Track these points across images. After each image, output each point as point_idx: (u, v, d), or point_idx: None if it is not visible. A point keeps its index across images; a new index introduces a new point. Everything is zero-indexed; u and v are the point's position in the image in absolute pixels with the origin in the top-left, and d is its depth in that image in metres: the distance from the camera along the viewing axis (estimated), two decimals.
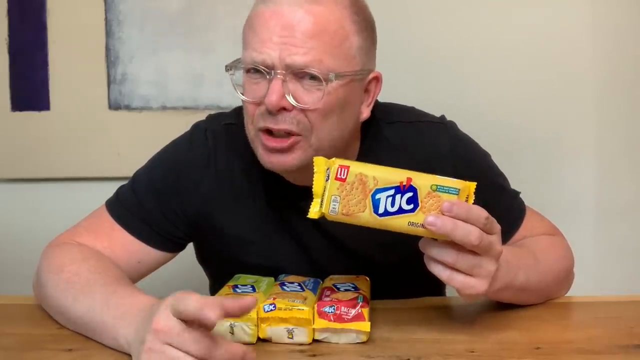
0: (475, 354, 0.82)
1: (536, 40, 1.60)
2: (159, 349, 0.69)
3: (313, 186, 0.79)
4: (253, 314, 0.84)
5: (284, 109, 0.90)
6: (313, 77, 0.89)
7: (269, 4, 0.91)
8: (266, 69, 0.90)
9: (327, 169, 0.79)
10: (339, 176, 0.78)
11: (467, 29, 1.60)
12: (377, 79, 0.98)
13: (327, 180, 0.79)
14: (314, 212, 0.80)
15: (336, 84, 0.90)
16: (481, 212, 0.78)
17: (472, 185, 0.80)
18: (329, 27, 0.89)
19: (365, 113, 0.98)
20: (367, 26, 0.95)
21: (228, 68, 0.95)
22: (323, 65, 0.89)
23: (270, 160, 0.94)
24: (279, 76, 0.89)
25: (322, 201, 0.79)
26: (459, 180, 0.80)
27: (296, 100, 0.90)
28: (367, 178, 0.78)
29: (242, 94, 0.94)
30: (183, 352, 0.69)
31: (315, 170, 0.80)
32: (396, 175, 0.78)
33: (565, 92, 1.62)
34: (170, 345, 0.69)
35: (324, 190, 0.79)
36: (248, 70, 0.93)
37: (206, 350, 0.69)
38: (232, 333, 0.84)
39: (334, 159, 0.80)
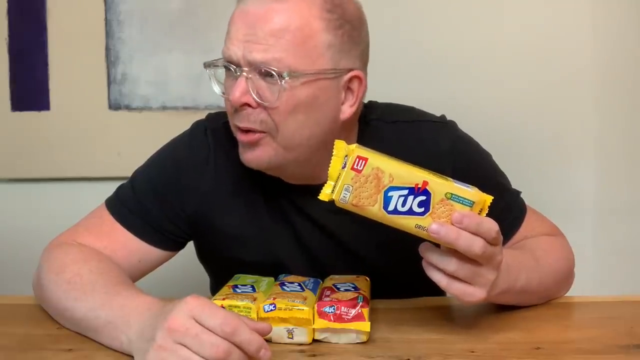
0: (476, 354, 0.82)
1: (536, 40, 1.60)
2: (170, 347, 0.70)
3: (329, 168, 0.79)
4: (253, 314, 0.84)
5: (248, 105, 0.91)
6: (273, 75, 0.90)
7: (239, 4, 0.93)
8: (232, 66, 0.91)
9: (346, 156, 0.79)
10: (355, 167, 0.77)
11: (467, 29, 1.60)
12: (359, 78, 0.95)
13: (343, 168, 0.78)
14: (325, 194, 0.79)
15: (298, 82, 0.90)
16: (492, 226, 0.78)
17: (488, 199, 0.79)
18: (291, 25, 0.89)
19: (347, 112, 0.96)
20: (342, 24, 0.92)
21: (206, 65, 0.96)
22: (282, 64, 0.89)
23: (243, 156, 0.96)
24: (243, 73, 0.90)
25: (334, 187, 0.79)
26: (475, 192, 0.79)
27: (259, 98, 0.91)
28: (383, 174, 0.77)
29: (222, 91, 0.96)
30: (196, 354, 0.69)
31: (333, 154, 0.79)
32: (413, 176, 0.77)
33: (565, 92, 1.62)
34: (184, 345, 0.70)
35: (339, 177, 0.78)
36: (227, 69, 0.94)
37: (223, 355, 0.69)
38: None
39: (354, 146, 0.79)
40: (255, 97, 0.91)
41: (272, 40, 0.89)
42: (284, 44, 0.89)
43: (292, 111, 0.91)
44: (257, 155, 0.94)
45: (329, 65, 0.92)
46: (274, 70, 0.89)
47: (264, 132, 0.92)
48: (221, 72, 0.96)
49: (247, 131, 0.93)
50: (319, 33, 0.90)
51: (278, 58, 0.89)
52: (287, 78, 0.89)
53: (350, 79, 0.94)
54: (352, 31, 0.94)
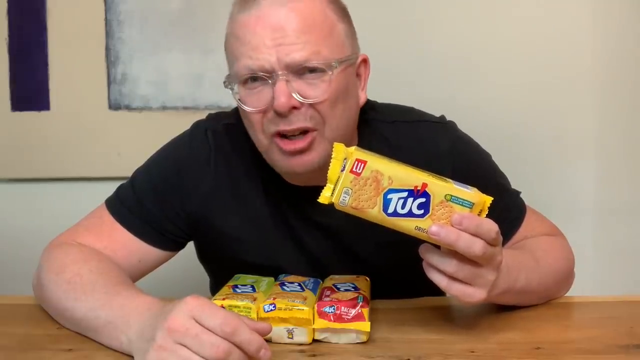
0: (476, 354, 0.82)
1: (537, 40, 1.60)
2: (170, 347, 0.70)
3: (328, 171, 0.79)
4: (253, 314, 0.84)
5: (294, 108, 0.91)
6: (313, 70, 0.90)
7: (250, 11, 0.91)
8: (266, 74, 0.90)
9: (345, 159, 0.79)
10: (354, 170, 0.77)
11: (467, 28, 1.60)
12: (365, 61, 1.00)
13: (342, 171, 0.78)
14: (324, 196, 0.79)
15: (337, 71, 0.92)
16: (492, 227, 0.78)
17: (488, 200, 0.79)
18: (316, 19, 0.91)
19: (363, 97, 1.00)
20: (344, 12, 0.97)
21: (226, 84, 0.95)
22: (321, 56, 0.90)
23: (291, 164, 0.93)
24: (281, 77, 0.89)
25: (334, 189, 0.79)
26: (475, 193, 0.79)
27: (303, 97, 0.90)
28: (382, 177, 0.77)
29: (245, 105, 0.93)
30: (196, 354, 0.69)
31: (333, 156, 0.79)
32: (412, 179, 0.77)
33: (565, 92, 1.62)
34: (184, 345, 0.70)
35: (338, 180, 0.78)
36: (245, 82, 0.93)
37: (223, 355, 0.69)
38: None
39: (353, 148, 0.79)
40: (299, 98, 0.90)
41: (304, 37, 0.90)
42: (315, 38, 0.90)
43: (335, 101, 0.93)
44: (308, 160, 0.93)
45: (350, 51, 0.95)
46: (320, 64, 0.90)
47: (316, 129, 0.92)
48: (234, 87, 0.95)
49: (284, 136, 0.92)
50: (336, 22, 0.94)
51: (317, 51, 0.90)
52: (336, 67, 0.91)
53: (359, 63, 0.98)
54: (349, 18, 0.98)
